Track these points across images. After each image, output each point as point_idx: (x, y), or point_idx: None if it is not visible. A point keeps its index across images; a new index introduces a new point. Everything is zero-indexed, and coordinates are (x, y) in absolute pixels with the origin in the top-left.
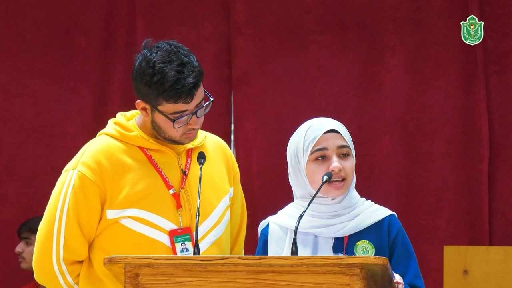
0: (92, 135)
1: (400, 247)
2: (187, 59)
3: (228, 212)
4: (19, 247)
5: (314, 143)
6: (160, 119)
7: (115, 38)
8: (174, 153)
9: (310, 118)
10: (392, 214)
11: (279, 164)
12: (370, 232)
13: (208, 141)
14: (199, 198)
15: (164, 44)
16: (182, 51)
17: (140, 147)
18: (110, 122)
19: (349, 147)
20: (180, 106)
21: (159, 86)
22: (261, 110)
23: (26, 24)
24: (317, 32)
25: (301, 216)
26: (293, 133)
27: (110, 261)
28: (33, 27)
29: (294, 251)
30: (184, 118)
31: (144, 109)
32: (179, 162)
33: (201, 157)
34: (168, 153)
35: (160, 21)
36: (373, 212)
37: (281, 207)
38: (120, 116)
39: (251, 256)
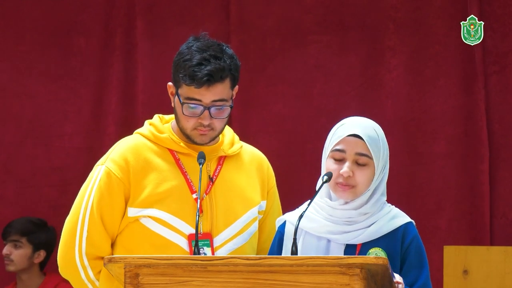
0: (90, 135)
1: (412, 256)
2: (224, 57)
3: (255, 224)
4: (6, 250)
5: (336, 142)
6: (177, 105)
7: (114, 38)
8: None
9: (310, 118)
10: (409, 222)
11: (279, 164)
12: (384, 239)
13: (245, 151)
14: (198, 196)
15: (216, 41)
16: (227, 50)
17: (170, 150)
18: (146, 122)
19: (369, 157)
20: (193, 91)
21: (184, 64)
22: (261, 111)
23: (26, 24)
24: (317, 32)
25: (301, 217)
26: (293, 134)
27: (110, 261)
28: (32, 27)
29: (294, 251)
30: (195, 109)
31: (172, 94)
32: (208, 168)
33: (201, 157)
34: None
35: (160, 21)
36: (389, 220)
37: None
38: (156, 117)
39: (251, 256)
